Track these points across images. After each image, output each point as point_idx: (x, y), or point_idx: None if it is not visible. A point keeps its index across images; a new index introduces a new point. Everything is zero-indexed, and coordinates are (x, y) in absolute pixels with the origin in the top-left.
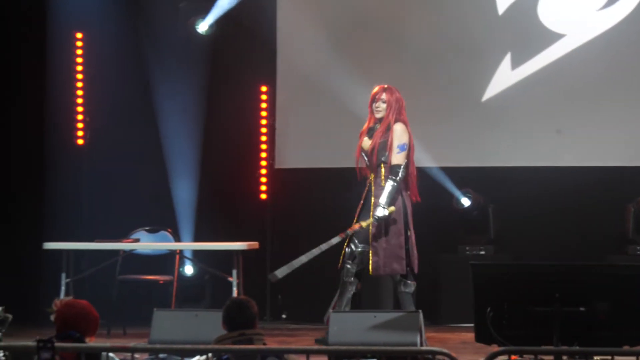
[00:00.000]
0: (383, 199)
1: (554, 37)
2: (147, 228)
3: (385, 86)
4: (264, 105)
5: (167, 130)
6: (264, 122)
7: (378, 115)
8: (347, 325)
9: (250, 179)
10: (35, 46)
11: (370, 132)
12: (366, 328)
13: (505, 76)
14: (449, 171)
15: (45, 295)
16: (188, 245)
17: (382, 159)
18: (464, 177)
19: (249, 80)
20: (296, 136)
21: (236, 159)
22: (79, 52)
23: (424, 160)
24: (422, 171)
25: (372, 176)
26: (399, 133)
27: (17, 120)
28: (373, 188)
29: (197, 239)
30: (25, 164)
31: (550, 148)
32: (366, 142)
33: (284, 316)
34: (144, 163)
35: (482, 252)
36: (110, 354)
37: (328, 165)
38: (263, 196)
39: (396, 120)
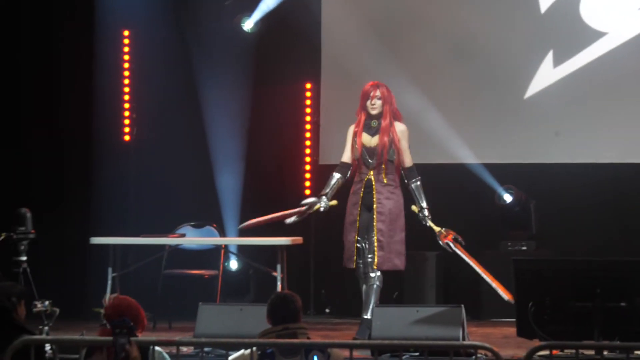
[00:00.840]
0: (423, 200)
1: (596, 35)
2: (192, 223)
3: (377, 83)
4: (308, 102)
5: (213, 127)
6: (308, 118)
7: (374, 112)
8: (390, 320)
9: (294, 174)
10: (83, 44)
11: (367, 129)
12: (409, 323)
13: (548, 74)
14: (491, 167)
15: (92, 290)
16: (233, 240)
17: (389, 157)
18: (506, 173)
19: (294, 78)
20: (340, 133)
21: (281, 155)
22: (126, 49)
23: (467, 157)
24: (464, 168)
25: (371, 173)
26: (406, 134)
27: (65, 118)
28: (375, 185)
29: (242, 234)
30: (73, 161)
31: (591, 145)
32: (369, 139)
33: (327, 310)
34: (189, 159)
35: (524, 248)
36: (157, 348)
37: None
38: (307, 192)
39: (395, 118)
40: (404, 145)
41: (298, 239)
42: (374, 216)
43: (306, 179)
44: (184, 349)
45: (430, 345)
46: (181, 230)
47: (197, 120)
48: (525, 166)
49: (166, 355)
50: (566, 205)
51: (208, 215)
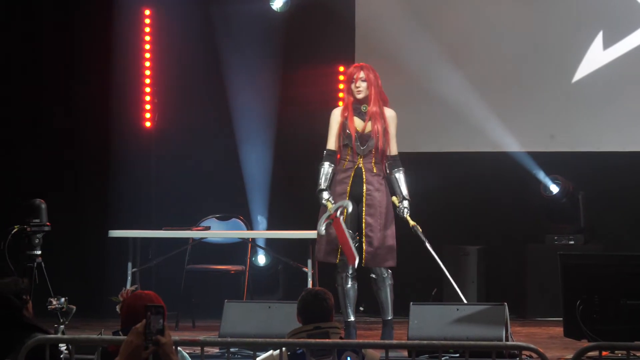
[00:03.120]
0: (405, 191)
1: None
2: (217, 215)
3: (361, 64)
4: (341, 86)
5: (239, 113)
6: (340, 104)
7: (360, 96)
8: (428, 318)
9: None
10: (102, 23)
11: (358, 113)
12: (448, 322)
13: (597, 56)
14: (537, 156)
15: (111, 286)
16: (261, 234)
17: (383, 146)
18: (553, 162)
19: (326, 60)
20: None
21: (312, 142)
22: (147, 29)
23: (511, 144)
24: (508, 156)
25: (360, 161)
26: (395, 120)
27: (83, 103)
28: (365, 175)
29: (270, 226)
30: (91, 149)
31: None
32: (361, 124)
33: (361, 308)
34: (214, 147)
35: (572, 242)
36: (179, 348)
37: (407, 149)
38: None
39: (384, 103)
40: (392, 131)
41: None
42: (363, 209)
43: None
44: (209, 350)
45: (471, 346)
46: (205, 223)
47: (223, 105)
48: (573, 155)
49: (187, 356)
50: (617, 197)
51: (234, 206)
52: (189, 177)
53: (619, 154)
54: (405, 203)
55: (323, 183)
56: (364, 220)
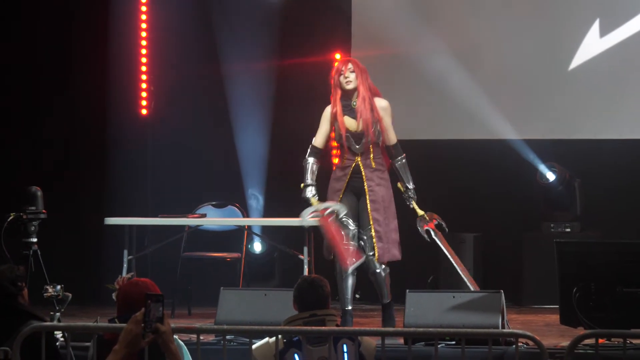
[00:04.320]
0: (410, 180)
1: None
2: (213, 203)
3: (347, 58)
4: None
5: (236, 101)
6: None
7: (349, 87)
8: (425, 306)
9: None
10: (98, 10)
11: (348, 111)
12: (444, 309)
13: (594, 44)
14: (533, 144)
15: (107, 273)
16: (257, 221)
17: (375, 139)
18: (549, 149)
19: (322, 48)
20: None
21: (308, 131)
22: (144, 17)
23: (507, 132)
24: (504, 144)
25: (358, 159)
26: (389, 109)
27: (78, 91)
28: (364, 171)
29: (266, 214)
30: (87, 136)
31: None
32: (352, 123)
33: (357, 296)
34: (210, 135)
35: (568, 230)
36: (174, 336)
37: (404, 137)
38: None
39: (374, 95)
40: (387, 122)
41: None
42: (367, 205)
43: (333, 155)
44: (204, 337)
45: (467, 333)
46: (202, 210)
47: (219, 93)
48: (570, 142)
49: (182, 344)
50: (613, 184)
51: (230, 194)
52: (185, 165)
53: (615, 141)
54: (411, 192)
55: (309, 178)
56: (370, 216)
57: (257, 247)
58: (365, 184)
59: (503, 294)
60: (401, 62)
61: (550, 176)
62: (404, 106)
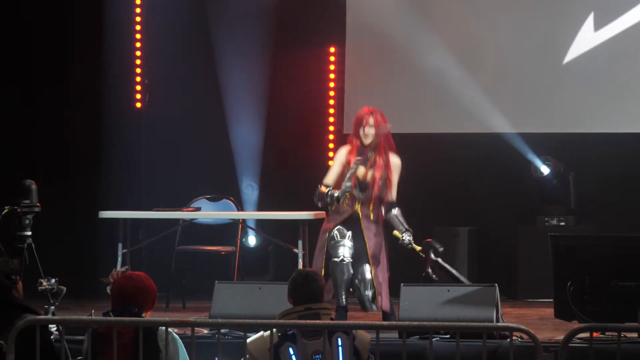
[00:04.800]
0: (405, 224)
1: None
2: (208, 196)
3: (372, 109)
4: (332, 67)
5: (230, 94)
6: (332, 85)
7: (367, 141)
8: (419, 299)
9: (317, 144)
10: (93, 2)
11: (361, 160)
12: (439, 303)
13: (588, 38)
14: (528, 137)
15: (101, 267)
16: (251, 215)
17: (380, 194)
18: (543, 143)
19: (317, 41)
20: (366, 100)
21: (303, 124)
22: (138, 10)
23: (502, 125)
24: (499, 137)
25: (358, 207)
26: (399, 168)
27: (73, 84)
28: (362, 220)
29: (261, 207)
30: (81, 129)
31: (635, 113)
32: (362, 171)
33: (351, 290)
34: (205, 128)
35: (562, 223)
36: (169, 330)
37: (399, 131)
38: (331, 162)
39: (390, 148)
40: (394, 179)
41: (321, 213)
42: (369, 259)
43: (329, 149)
44: (199, 331)
45: (461, 327)
46: (196, 204)
47: (214, 86)
48: (564, 136)
49: (176, 337)
50: (608, 178)
51: (225, 187)
52: (179, 158)
53: (610, 135)
54: (407, 234)
55: (326, 189)
56: (372, 273)
57: (252, 240)
58: (363, 232)
59: (497, 288)
60: (396, 55)
61: (545, 170)
62: (398, 100)
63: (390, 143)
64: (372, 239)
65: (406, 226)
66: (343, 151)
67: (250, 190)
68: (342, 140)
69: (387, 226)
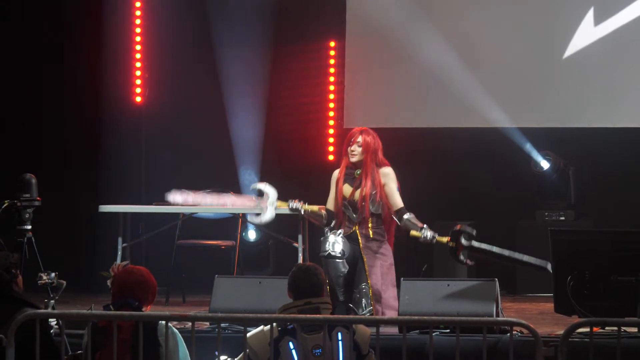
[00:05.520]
0: (420, 224)
1: None
2: (208, 190)
3: (363, 129)
4: (332, 61)
5: (230, 88)
6: (332, 79)
7: (353, 159)
8: (419, 294)
9: (317, 139)
10: None
11: (348, 179)
12: (439, 297)
13: (588, 32)
14: (528, 132)
15: (101, 261)
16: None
17: (373, 210)
18: (543, 138)
19: (317, 36)
20: (366, 94)
21: (303, 119)
22: (138, 4)
23: (502, 120)
24: (499, 132)
25: (355, 227)
26: (392, 176)
27: (73, 77)
28: (361, 240)
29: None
30: (81, 123)
31: (635, 108)
32: (350, 191)
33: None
34: (205, 122)
35: (562, 218)
36: (169, 324)
37: (399, 125)
38: (331, 157)
39: (378, 166)
40: (390, 187)
41: (321, 208)
42: (368, 280)
43: (329, 144)
44: (199, 325)
45: (461, 321)
46: None
47: (213, 80)
48: (564, 130)
49: (176, 331)
50: (607, 173)
51: (225, 181)
52: (179, 152)
53: (609, 130)
54: (426, 231)
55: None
56: (371, 292)
57: (252, 235)
58: (362, 252)
59: (497, 282)
60: (396, 50)
61: (545, 164)
62: (398, 94)
63: (378, 160)
64: (371, 257)
65: (420, 224)
66: (335, 172)
67: (248, 177)
68: (342, 135)
69: (406, 232)
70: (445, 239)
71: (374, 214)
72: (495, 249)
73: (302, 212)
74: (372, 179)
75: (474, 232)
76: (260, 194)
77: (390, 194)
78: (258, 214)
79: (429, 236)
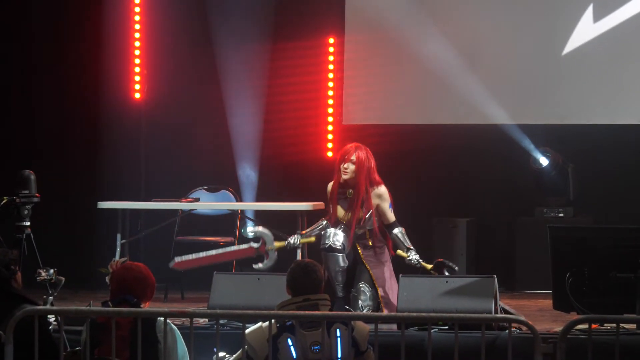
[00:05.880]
0: (408, 243)
1: None
2: (207, 187)
3: (357, 145)
4: (331, 58)
5: (229, 84)
6: (331, 76)
7: (346, 177)
8: (418, 291)
9: (316, 136)
10: None
11: (341, 199)
12: (437, 294)
13: (587, 29)
14: (527, 128)
15: (100, 257)
16: (250, 205)
17: (368, 227)
18: (542, 134)
19: (316, 32)
20: (365, 91)
21: (301, 115)
22: (137, 0)
23: (500, 116)
24: (497, 128)
25: (357, 245)
26: (385, 195)
27: (71, 74)
28: (361, 251)
29: (259, 198)
30: (80, 119)
31: (634, 104)
32: (343, 214)
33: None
34: (204, 118)
35: (561, 215)
36: (167, 320)
37: (398, 121)
38: (329, 154)
39: (372, 185)
40: (384, 207)
41: (319, 204)
42: (375, 285)
43: (328, 140)
44: (197, 321)
45: (460, 318)
46: (195, 195)
47: (212, 76)
48: (563, 127)
49: (174, 328)
50: (606, 169)
51: (223, 178)
52: (178, 149)
53: (608, 126)
54: (413, 253)
55: (307, 229)
56: (380, 296)
57: (250, 231)
58: (363, 260)
59: (496, 279)
60: (395, 46)
61: (544, 161)
62: (397, 90)
63: (371, 179)
64: (372, 262)
65: (408, 244)
66: (329, 185)
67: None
68: (341, 132)
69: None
70: (429, 267)
71: (370, 229)
72: None
73: (300, 247)
74: (363, 202)
75: (456, 268)
76: (257, 239)
77: (383, 212)
78: (260, 261)
79: (413, 260)
